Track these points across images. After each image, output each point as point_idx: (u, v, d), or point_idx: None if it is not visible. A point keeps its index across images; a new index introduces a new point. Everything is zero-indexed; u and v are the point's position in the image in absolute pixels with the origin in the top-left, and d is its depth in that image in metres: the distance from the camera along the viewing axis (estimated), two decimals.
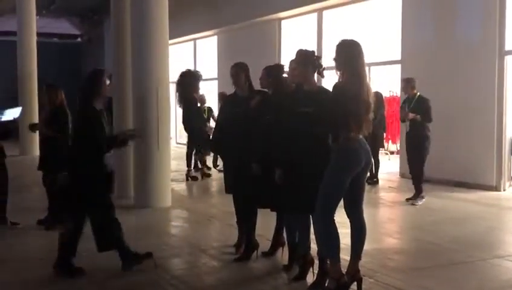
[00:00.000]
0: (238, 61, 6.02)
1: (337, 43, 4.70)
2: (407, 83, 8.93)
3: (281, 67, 5.81)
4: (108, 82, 6.01)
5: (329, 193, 4.56)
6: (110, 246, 5.37)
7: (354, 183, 4.60)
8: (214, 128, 6.81)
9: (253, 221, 5.82)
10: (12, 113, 6.94)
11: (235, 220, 6.13)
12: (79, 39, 28.83)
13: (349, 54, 4.62)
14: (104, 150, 5.33)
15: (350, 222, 4.81)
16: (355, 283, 4.67)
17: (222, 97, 13.11)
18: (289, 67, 5.41)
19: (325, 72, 4.94)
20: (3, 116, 6.85)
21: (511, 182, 10.12)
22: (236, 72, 5.89)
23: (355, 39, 4.76)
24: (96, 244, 5.32)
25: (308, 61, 4.89)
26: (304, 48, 5.01)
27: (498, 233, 7.32)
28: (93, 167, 5.23)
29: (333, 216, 4.64)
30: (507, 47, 9.71)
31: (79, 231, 5.34)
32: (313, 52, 4.97)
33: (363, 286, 4.71)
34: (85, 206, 5.33)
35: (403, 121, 9.10)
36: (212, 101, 13.76)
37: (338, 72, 4.68)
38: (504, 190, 9.80)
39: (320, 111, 4.68)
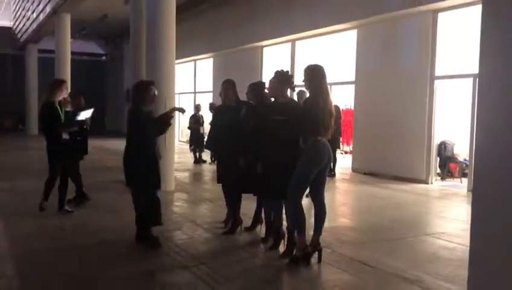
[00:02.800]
0: (229, 78, 6.01)
1: (305, 67, 4.72)
2: (300, 95, 8.13)
3: (262, 84, 5.79)
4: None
5: (299, 183, 4.57)
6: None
7: (318, 176, 4.62)
8: (208, 131, 6.80)
9: (238, 204, 5.81)
10: (85, 114, 6.75)
11: (224, 202, 6.13)
12: (104, 58, 28.56)
13: (315, 76, 4.64)
14: (157, 135, 5.35)
15: (314, 205, 4.82)
16: (317, 252, 4.71)
17: (211, 106, 13.13)
18: (269, 84, 5.41)
19: (296, 88, 4.96)
20: (78, 117, 6.63)
21: (436, 177, 10.22)
22: (226, 86, 5.87)
23: (319, 64, 4.78)
24: (151, 220, 5.24)
25: (284, 79, 4.91)
26: (280, 70, 5.00)
27: (426, 216, 7.37)
28: (144, 157, 5.14)
29: (301, 200, 4.66)
30: (436, 73, 9.79)
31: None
32: (288, 72, 4.98)
33: (322, 255, 4.72)
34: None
35: None
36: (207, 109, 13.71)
37: (307, 90, 4.71)
38: (431, 183, 9.87)
39: (291, 118, 4.71)
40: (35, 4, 20.23)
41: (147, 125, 5.17)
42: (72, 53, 18.15)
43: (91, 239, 5.51)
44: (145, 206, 5.24)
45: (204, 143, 13.28)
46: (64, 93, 6.67)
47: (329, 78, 4.81)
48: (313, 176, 4.57)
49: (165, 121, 5.36)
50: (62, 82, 6.81)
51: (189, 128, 13.45)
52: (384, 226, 6.34)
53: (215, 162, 6.80)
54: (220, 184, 5.98)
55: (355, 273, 4.48)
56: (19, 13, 24.75)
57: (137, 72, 9.66)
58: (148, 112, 5.29)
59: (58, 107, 6.48)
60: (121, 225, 6.04)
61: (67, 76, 17.04)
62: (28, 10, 22.04)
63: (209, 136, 6.90)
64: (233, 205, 5.84)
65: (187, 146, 14.05)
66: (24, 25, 23.15)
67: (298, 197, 4.62)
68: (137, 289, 4.08)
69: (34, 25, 20.84)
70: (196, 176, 11.25)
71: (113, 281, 4.23)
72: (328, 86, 4.73)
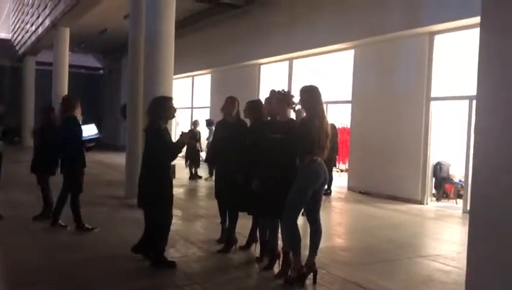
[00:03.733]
0: (228, 95, 6.01)
1: (301, 88, 4.73)
2: (298, 113, 8.11)
3: (260, 102, 5.79)
4: None
5: (295, 202, 4.54)
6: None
7: (314, 196, 4.60)
8: (208, 145, 6.82)
9: (234, 222, 5.77)
10: (89, 130, 6.82)
11: (220, 220, 6.09)
12: (101, 71, 28.62)
13: (311, 97, 4.65)
14: (173, 157, 5.08)
15: (309, 224, 4.78)
16: (312, 273, 4.66)
17: (209, 122, 13.15)
18: (265, 103, 5.40)
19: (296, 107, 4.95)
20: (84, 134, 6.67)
21: (432, 197, 10.21)
22: (230, 103, 5.88)
23: (314, 84, 4.79)
24: (165, 239, 5.12)
25: (284, 99, 4.91)
26: (281, 90, 5.01)
27: (422, 237, 7.34)
28: (164, 176, 5.03)
29: (296, 220, 4.62)
30: (432, 94, 9.84)
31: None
32: (288, 92, 4.98)
33: (317, 276, 4.68)
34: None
35: None
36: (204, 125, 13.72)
37: (303, 109, 4.72)
38: (427, 204, 9.85)
39: (288, 137, 4.71)
40: (34, 17, 20.32)
41: (169, 145, 5.02)
42: (70, 66, 18.19)
43: (85, 254, 5.44)
44: (162, 225, 5.07)
45: (200, 159, 13.29)
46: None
47: (326, 97, 4.84)
48: (309, 195, 4.55)
49: (180, 147, 5.13)
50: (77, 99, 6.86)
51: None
52: (379, 247, 6.31)
53: (213, 177, 6.75)
54: (216, 201, 5.95)
55: None
56: (17, 26, 24.85)
57: (134, 86, 9.65)
58: (166, 130, 5.11)
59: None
60: (116, 241, 5.98)
61: (65, 89, 17.08)
62: (26, 23, 22.14)
63: (208, 149, 6.91)
64: (230, 223, 5.80)
65: (182, 162, 14.00)
66: (23, 37, 23.24)
67: (294, 217, 4.59)
68: None
69: (33, 38, 20.91)
70: (191, 192, 11.19)
71: None
72: (324, 106, 4.74)
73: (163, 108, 5.06)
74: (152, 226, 5.11)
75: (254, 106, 5.66)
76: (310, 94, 4.65)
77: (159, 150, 4.93)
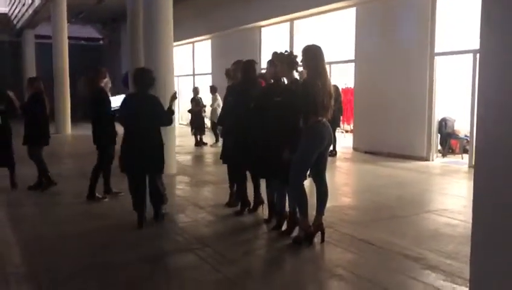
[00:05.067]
0: (230, 60, 5.98)
1: (303, 47, 4.65)
2: (301, 74, 8.02)
3: (251, 64, 5.78)
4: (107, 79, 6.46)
5: (300, 164, 4.57)
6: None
7: (319, 157, 4.62)
8: (221, 112, 6.84)
9: (244, 185, 5.83)
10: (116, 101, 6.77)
11: (228, 184, 6.16)
12: (101, 42, 28.35)
13: (313, 56, 4.58)
14: (172, 121, 5.69)
15: (316, 185, 4.83)
16: (320, 232, 4.73)
17: (212, 89, 13.11)
18: (268, 65, 5.34)
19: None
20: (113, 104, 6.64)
21: (437, 153, 10.23)
22: (236, 68, 5.90)
23: (316, 43, 4.70)
24: (160, 199, 5.51)
25: (288, 60, 4.85)
26: (285, 51, 4.93)
27: (428, 193, 7.39)
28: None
29: (303, 181, 4.66)
30: (436, 50, 9.71)
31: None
32: (292, 53, 4.91)
33: (325, 235, 4.75)
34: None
35: None
36: (205, 91, 13.69)
37: (305, 70, 4.69)
38: (432, 160, 9.88)
39: (290, 99, 4.68)
40: None
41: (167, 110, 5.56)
42: (69, 38, 17.98)
43: (95, 224, 5.54)
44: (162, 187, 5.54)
45: (205, 126, 13.33)
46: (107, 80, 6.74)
47: (329, 57, 4.78)
48: (315, 157, 4.57)
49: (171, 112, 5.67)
50: (102, 69, 6.86)
51: (189, 111, 13.42)
52: (386, 205, 6.36)
53: (219, 143, 6.77)
54: (224, 165, 6.01)
55: (358, 252, 4.51)
56: None
57: (135, 56, 9.59)
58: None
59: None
60: (124, 210, 6.07)
61: (65, 61, 16.96)
62: None
63: (219, 117, 6.92)
64: (239, 186, 5.86)
65: (187, 129, 14.05)
66: (20, 10, 22.93)
67: (300, 179, 4.62)
68: (142, 272, 4.11)
69: (30, 11, 20.63)
70: (198, 159, 11.26)
71: (118, 266, 4.26)
72: (327, 66, 4.70)
73: (149, 77, 5.45)
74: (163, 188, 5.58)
75: (244, 67, 5.65)
76: (312, 53, 4.59)
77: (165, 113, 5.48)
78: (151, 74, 5.55)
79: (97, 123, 6.46)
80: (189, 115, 13.54)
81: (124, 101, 5.54)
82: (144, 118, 5.25)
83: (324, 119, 4.57)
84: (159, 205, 5.52)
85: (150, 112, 5.28)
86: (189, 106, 13.44)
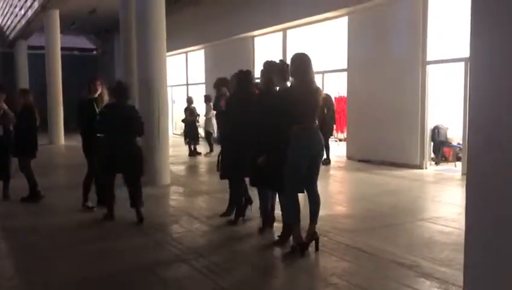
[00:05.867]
0: (223, 69, 5.99)
1: (292, 56, 4.68)
2: None
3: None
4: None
5: (290, 173, 4.57)
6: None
7: (311, 165, 4.61)
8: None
9: (241, 193, 5.94)
10: None
11: (227, 196, 6.15)
12: (94, 52, 28.35)
13: (299, 64, 4.58)
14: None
15: (307, 194, 4.79)
16: (314, 241, 4.72)
17: (207, 98, 13.10)
18: (260, 76, 5.35)
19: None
20: None
21: (431, 161, 10.27)
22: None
23: (304, 52, 4.70)
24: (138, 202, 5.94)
25: (279, 69, 4.88)
26: (280, 60, 5.01)
27: (422, 201, 7.41)
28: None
29: (295, 190, 4.64)
30: (428, 58, 9.79)
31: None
32: (283, 62, 4.95)
33: (320, 243, 4.75)
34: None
35: None
36: (199, 101, 13.71)
37: (292, 78, 4.70)
38: (426, 168, 9.92)
39: (274, 106, 4.68)
40: (22, 0, 20.00)
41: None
42: (62, 48, 18.00)
43: (87, 234, 5.51)
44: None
45: (199, 136, 13.31)
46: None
47: (322, 67, 4.82)
48: (303, 165, 4.54)
49: None
50: (94, 79, 6.80)
51: (183, 121, 13.41)
52: (380, 213, 6.37)
53: (212, 153, 6.75)
54: (216, 175, 6.02)
55: (352, 261, 4.51)
56: (6, 10, 24.48)
57: (128, 66, 9.60)
58: None
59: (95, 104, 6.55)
60: (117, 220, 6.04)
61: (58, 72, 16.96)
62: (15, 7, 21.80)
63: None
64: (238, 196, 5.91)
65: (181, 139, 14.04)
66: (12, 21, 22.92)
67: (290, 188, 4.62)
68: (137, 282, 4.09)
69: (23, 22, 20.64)
70: (192, 169, 11.24)
71: (113, 276, 4.23)
72: (320, 76, 4.74)
73: (127, 89, 6.05)
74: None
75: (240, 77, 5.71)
76: (297, 61, 4.59)
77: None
78: (129, 87, 6.23)
79: (85, 133, 6.50)
80: (183, 124, 13.52)
81: (105, 111, 5.99)
82: (124, 126, 5.75)
83: (312, 126, 4.56)
84: (139, 207, 5.95)
85: (129, 121, 5.81)
86: (183, 116, 13.44)
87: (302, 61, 4.59)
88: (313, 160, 4.62)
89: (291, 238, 4.81)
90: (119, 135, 5.76)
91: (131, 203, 5.98)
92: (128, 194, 6.02)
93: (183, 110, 13.63)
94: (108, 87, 6.57)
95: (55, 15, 16.98)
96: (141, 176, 6.05)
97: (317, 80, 9.66)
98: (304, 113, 4.50)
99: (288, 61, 4.76)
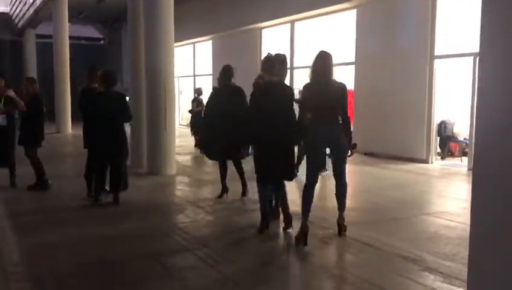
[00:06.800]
0: (230, 60, 6.02)
1: (321, 54, 4.83)
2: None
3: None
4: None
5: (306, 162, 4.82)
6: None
7: (333, 157, 4.92)
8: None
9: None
10: None
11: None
12: (102, 42, 28.35)
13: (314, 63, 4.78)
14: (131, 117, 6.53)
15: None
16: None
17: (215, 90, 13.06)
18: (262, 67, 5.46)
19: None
20: None
21: (437, 156, 10.24)
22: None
23: (326, 50, 4.90)
24: (119, 185, 6.22)
25: (281, 61, 5.11)
26: (271, 54, 5.30)
27: (427, 195, 7.41)
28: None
29: (309, 180, 4.75)
30: (436, 53, 9.74)
31: None
32: (284, 55, 5.19)
33: (324, 236, 4.76)
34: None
35: None
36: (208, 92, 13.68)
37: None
38: (432, 163, 9.90)
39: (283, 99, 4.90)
40: None
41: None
42: (70, 37, 18.02)
43: (93, 223, 5.55)
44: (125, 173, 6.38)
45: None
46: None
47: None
48: (314, 155, 4.80)
49: None
50: (94, 68, 6.81)
51: (190, 111, 13.40)
52: (385, 207, 6.38)
53: None
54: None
55: (356, 253, 4.52)
56: None
57: (135, 56, 9.59)
58: None
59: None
60: (120, 209, 6.09)
61: (66, 61, 16.99)
62: None
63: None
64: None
65: (187, 130, 14.05)
66: (21, 10, 22.95)
67: (306, 177, 4.76)
68: (142, 271, 4.12)
69: (31, 10, 20.66)
70: (197, 159, 11.25)
71: (118, 264, 4.27)
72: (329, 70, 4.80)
73: (114, 77, 6.36)
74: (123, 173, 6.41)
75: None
76: (316, 60, 4.82)
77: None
78: (115, 75, 6.45)
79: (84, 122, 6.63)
80: (189, 115, 13.50)
81: (94, 98, 6.28)
82: (111, 112, 6.06)
83: (318, 119, 4.67)
84: (119, 190, 6.25)
85: (116, 107, 6.11)
86: (190, 107, 13.43)
87: (317, 59, 4.76)
88: (332, 152, 4.84)
89: (291, 230, 4.84)
90: (106, 122, 6.08)
91: (110, 187, 6.29)
92: (109, 176, 6.31)
93: (190, 100, 13.62)
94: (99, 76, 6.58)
95: (64, 4, 17.00)
96: (125, 160, 6.41)
97: None
98: (306, 107, 4.73)
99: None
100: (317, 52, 4.81)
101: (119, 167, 6.26)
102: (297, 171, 6.07)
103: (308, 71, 4.83)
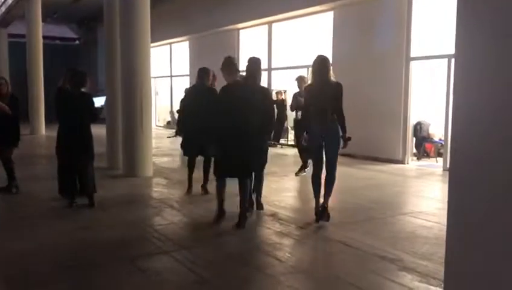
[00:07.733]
0: (208, 62, 6.03)
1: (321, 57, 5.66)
2: (301, 80, 8.43)
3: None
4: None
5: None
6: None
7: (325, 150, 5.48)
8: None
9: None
10: (99, 101, 6.94)
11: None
12: (77, 42, 27.93)
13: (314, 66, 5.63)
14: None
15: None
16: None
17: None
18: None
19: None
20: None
21: (413, 157, 10.38)
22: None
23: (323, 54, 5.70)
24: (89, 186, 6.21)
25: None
26: (254, 56, 5.67)
27: (404, 196, 7.49)
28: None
29: (314, 171, 5.59)
30: (412, 55, 9.87)
31: None
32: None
33: (300, 235, 4.76)
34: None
35: (293, 110, 8.92)
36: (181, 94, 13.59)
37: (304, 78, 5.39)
38: (408, 163, 10.03)
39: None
40: None
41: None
42: (44, 37, 17.69)
43: (68, 226, 5.45)
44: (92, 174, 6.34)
45: None
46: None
47: (306, 61, 5.02)
48: (315, 149, 5.48)
49: None
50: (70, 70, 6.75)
51: (178, 111, 13.26)
52: (362, 207, 6.42)
53: None
54: (200, 168, 6.06)
55: (334, 254, 4.53)
56: None
57: (111, 56, 9.46)
58: None
59: None
60: (95, 211, 5.99)
61: (39, 61, 16.67)
62: None
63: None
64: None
65: (164, 131, 13.93)
66: None
67: (313, 169, 5.67)
68: (119, 274, 4.05)
69: (3, 8, 20.21)
70: (174, 161, 11.16)
71: (95, 268, 4.19)
72: (306, 70, 5.04)
73: (82, 78, 6.29)
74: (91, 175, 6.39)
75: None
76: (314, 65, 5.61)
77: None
78: (83, 75, 6.34)
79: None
80: (177, 115, 13.37)
81: (60, 99, 6.32)
82: (77, 111, 6.09)
83: (317, 117, 5.44)
84: (89, 191, 6.23)
85: (82, 107, 6.12)
86: (169, 108, 13.32)
87: (315, 62, 5.65)
88: (325, 145, 5.39)
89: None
90: (73, 121, 6.12)
91: (80, 190, 6.26)
92: (78, 179, 6.27)
93: (177, 101, 13.45)
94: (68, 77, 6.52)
95: (37, 3, 16.67)
96: (91, 161, 6.32)
97: (303, 73, 9.68)
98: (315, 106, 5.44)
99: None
100: (315, 57, 5.55)
101: (85, 168, 6.21)
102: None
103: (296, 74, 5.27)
